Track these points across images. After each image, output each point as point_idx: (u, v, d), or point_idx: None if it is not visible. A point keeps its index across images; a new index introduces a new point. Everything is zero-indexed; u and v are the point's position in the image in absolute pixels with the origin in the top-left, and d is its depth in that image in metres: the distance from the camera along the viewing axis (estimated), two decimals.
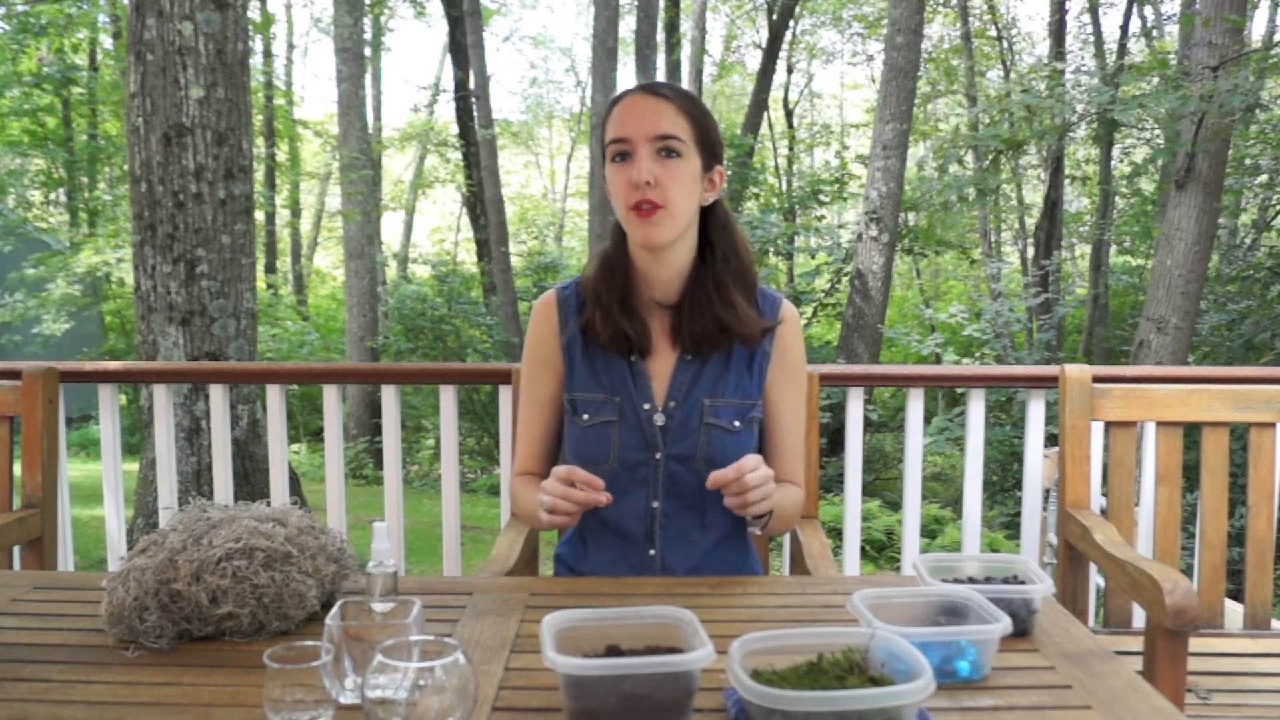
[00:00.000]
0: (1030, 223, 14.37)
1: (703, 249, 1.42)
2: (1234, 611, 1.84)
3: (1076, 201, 16.88)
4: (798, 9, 15.07)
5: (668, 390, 1.40)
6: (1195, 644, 1.64)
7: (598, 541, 1.45)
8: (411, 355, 10.77)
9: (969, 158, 12.75)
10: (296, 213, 19.06)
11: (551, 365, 1.46)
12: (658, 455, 1.38)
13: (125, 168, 6.01)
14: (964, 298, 12.34)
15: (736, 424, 1.39)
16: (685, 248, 1.39)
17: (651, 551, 1.41)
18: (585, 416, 1.40)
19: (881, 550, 6.23)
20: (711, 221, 1.42)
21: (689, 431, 1.38)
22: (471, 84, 12.34)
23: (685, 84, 12.74)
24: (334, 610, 0.93)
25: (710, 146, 1.37)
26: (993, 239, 15.63)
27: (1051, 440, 2.89)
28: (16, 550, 1.98)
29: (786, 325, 1.45)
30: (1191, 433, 1.88)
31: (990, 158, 11.50)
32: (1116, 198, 13.14)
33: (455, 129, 14.31)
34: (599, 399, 1.40)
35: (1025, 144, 11.05)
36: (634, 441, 1.38)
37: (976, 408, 2.25)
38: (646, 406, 1.39)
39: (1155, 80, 8.34)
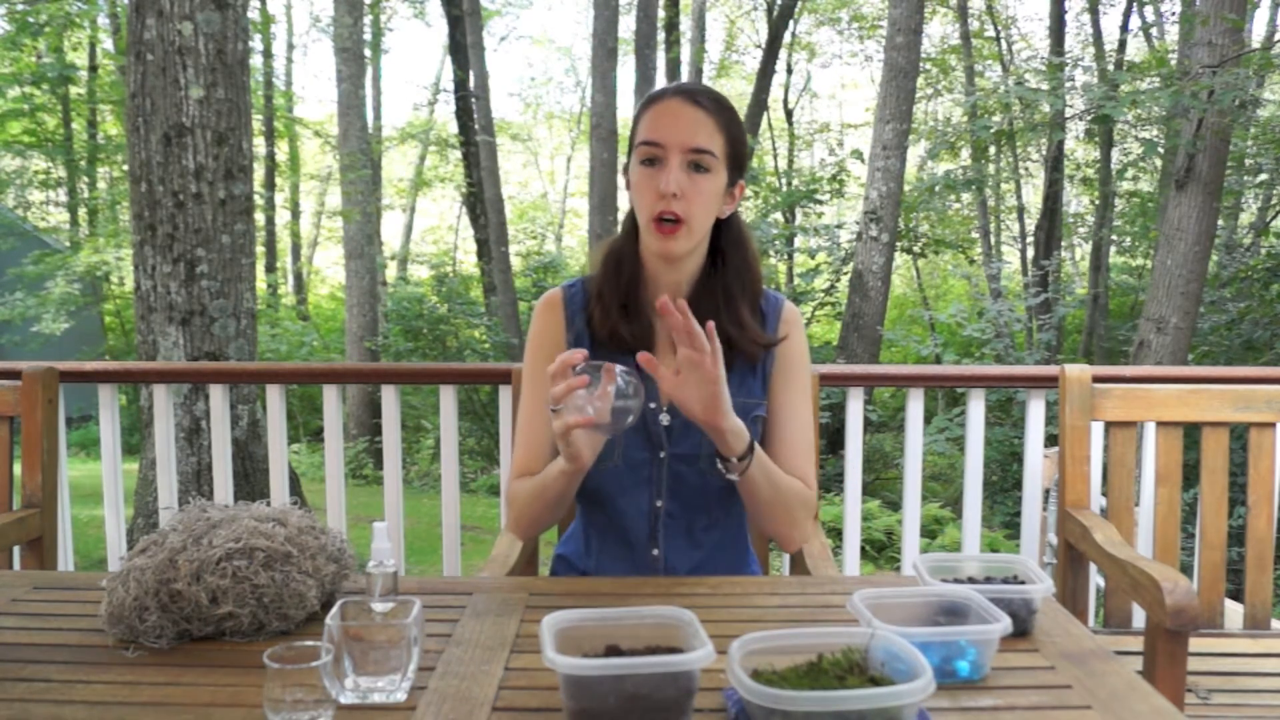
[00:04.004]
0: (1030, 223, 14.36)
1: (712, 257, 1.41)
2: (1234, 611, 1.84)
3: (1076, 201, 16.88)
4: (797, 8, 15.05)
5: None
6: (1195, 644, 1.64)
7: (600, 541, 1.45)
8: (411, 355, 10.77)
9: (964, 155, 12.73)
10: (296, 213, 19.05)
11: None
12: (661, 454, 1.38)
13: (125, 168, 6.02)
14: (964, 297, 12.31)
15: None
16: (696, 256, 1.39)
17: (655, 551, 1.41)
18: None
19: (881, 550, 6.23)
20: (726, 233, 1.40)
21: (692, 431, 1.37)
22: (471, 84, 12.35)
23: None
24: (334, 610, 0.93)
25: (738, 162, 1.36)
26: (993, 239, 15.62)
27: (1051, 440, 2.89)
28: (16, 550, 1.98)
29: (789, 327, 1.44)
30: (1191, 433, 1.88)
31: (981, 149, 11.45)
32: (1116, 198, 13.13)
33: (455, 129, 14.30)
34: None
35: (1016, 136, 11.01)
36: (638, 440, 1.38)
37: (976, 408, 2.25)
38: (652, 405, 1.38)
39: (1155, 80, 8.33)
